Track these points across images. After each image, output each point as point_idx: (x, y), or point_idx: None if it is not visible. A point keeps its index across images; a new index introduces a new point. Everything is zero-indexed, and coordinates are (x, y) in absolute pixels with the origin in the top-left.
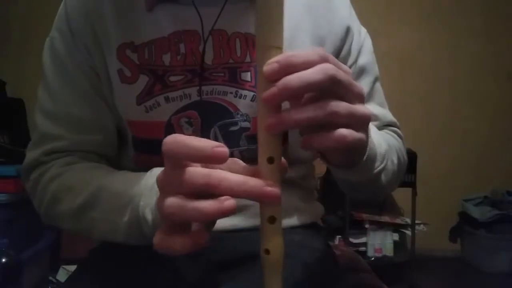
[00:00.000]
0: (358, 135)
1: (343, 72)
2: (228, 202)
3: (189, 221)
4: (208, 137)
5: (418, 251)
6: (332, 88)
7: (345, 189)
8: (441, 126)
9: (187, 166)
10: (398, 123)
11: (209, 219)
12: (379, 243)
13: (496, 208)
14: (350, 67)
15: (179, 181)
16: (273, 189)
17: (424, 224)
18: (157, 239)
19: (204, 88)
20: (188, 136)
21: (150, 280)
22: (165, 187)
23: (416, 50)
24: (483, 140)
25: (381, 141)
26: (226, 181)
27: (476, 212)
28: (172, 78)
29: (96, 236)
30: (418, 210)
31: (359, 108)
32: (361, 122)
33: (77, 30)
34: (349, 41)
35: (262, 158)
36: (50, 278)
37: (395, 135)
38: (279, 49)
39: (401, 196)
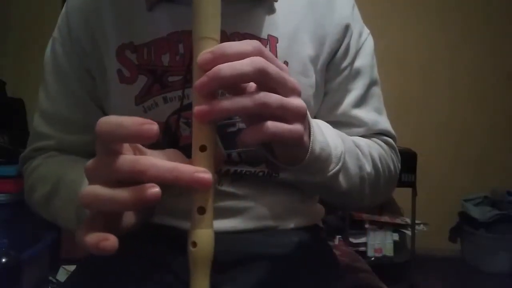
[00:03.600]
0: (288, 127)
1: (274, 66)
2: (151, 190)
3: (107, 212)
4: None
5: (418, 251)
6: (263, 81)
7: (310, 191)
8: (441, 126)
9: (117, 153)
10: (392, 132)
11: (128, 209)
12: (379, 243)
13: (496, 208)
14: (345, 68)
15: (105, 168)
16: (204, 175)
17: (424, 224)
18: (77, 233)
19: None
20: (122, 116)
21: (150, 281)
22: (91, 175)
23: (416, 50)
24: (483, 140)
25: (337, 142)
26: (154, 167)
27: (476, 212)
28: (171, 79)
29: (61, 224)
30: (418, 210)
31: (292, 100)
32: (294, 115)
33: (75, 30)
34: (346, 40)
35: (195, 146)
36: (50, 278)
37: (383, 144)
38: (215, 40)
39: (401, 196)
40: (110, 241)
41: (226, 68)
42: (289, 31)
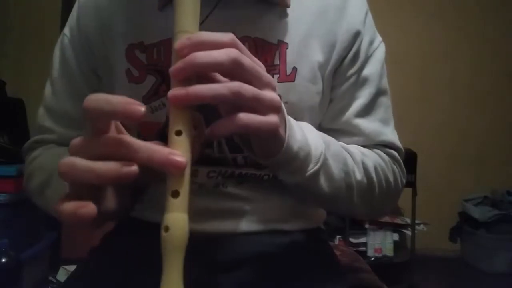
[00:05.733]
0: (263, 118)
1: (248, 59)
2: (129, 167)
3: (84, 183)
4: (211, 141)
5: (418, 251)
6: (237, 73)
7: (297, 196)
8: (441, 126)
9: (103, 133)
10: (398, 145)
11: (104, 182)
12: (379, 243)
13: (496, 208)
14: (352, 75)
15: (86, 144)
16: (179, 158)
17: (424, 224)
18: (54, 208)
19: None
20: (110, 95)
21: (150, 281)
22: (73, 151)
23: (416, 50)
24: (483, 140)
25: (318, 144)
26: (129, 144)
27: (476, 212)
28: None
29: (53, 214)
30: (418, 210)
31: (266, 93)
32: (268, 106)
33: (85, 28)
34: (355, 47)
35: (171, 131)
36: (50, 278)
37: (384, 155)
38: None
39: (401, 196)
40: (89, 207)
41: (202, 56)
42: (299, 37)
